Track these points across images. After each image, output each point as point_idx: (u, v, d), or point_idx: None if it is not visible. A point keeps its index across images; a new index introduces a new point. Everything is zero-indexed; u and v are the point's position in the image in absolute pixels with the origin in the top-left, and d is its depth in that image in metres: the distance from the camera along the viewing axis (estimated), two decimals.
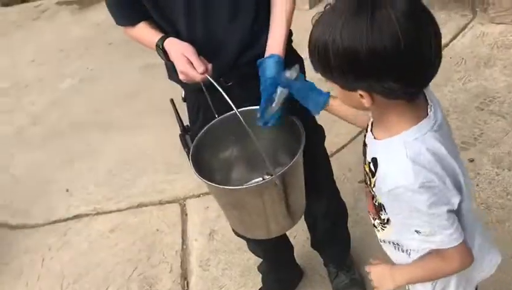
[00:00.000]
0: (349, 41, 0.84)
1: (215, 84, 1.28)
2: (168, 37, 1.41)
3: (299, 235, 2.25)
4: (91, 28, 5.27)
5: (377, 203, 1.11)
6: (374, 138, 1.05)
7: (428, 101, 1.00)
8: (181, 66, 1.33)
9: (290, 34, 1.48)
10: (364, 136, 1.12)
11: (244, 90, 1.44)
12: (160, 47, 1.40)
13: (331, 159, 1.91)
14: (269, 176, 1.33)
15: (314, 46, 0.90)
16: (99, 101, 4.03)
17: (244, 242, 2.31)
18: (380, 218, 1.14)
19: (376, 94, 0.91)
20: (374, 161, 1.04)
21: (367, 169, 1.09)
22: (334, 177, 1.91)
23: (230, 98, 1.31)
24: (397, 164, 0.96)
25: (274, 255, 2.00)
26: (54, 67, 4.96)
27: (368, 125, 1.11)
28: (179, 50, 1.35)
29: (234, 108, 1.24)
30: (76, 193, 3.11)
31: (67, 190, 3.12)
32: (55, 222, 2.93)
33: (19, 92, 4.74)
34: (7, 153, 3.80)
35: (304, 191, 1.48)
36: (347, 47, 0.85)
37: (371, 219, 1.20)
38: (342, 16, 0.86)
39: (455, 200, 0.99)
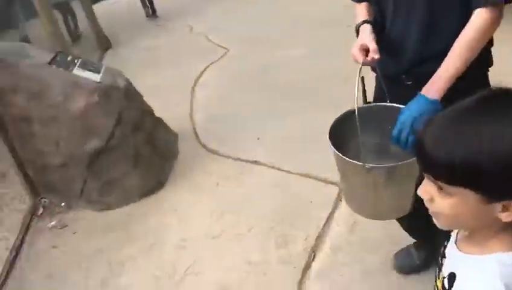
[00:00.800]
0: None
1: (358, 75, 1.47)
2: (366, 22, 1.61)
3: None
4: (343, 8, 5.58)
5: None
6: (459, 250, 0.96)
7: None
8: (354, 48, 1.54)
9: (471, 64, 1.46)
10: (444, 247, 1.04)
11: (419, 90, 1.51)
12: (356, 29, 1.63)
13: None
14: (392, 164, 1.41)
15: (460, 159, 0.79)
16: (315, 75, 4.38)
17: (377, 244, 2.42)
18: None
19: None
20: (451, 276, 0.94)
21: (439, 284, 0.99)
22: None
23: (407, 97, 1.47)
24: (485, 283, 0.86)
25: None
26: (297, 34, 5.50)
27: (450, 236, 1.03)
28: (362, 37, 1.56)
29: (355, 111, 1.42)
30: (265, 143, 3.55)
31: (258, 138, 3.58)
32: (239, 159, 3.43)
33: (261, 43, 5.43)
34: (231, 93, 4.49)
35: (409, 197, 1.51)
36: None
37: None
38: (478, 118, 0.80)
39: None
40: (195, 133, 3.91)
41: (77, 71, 3.13)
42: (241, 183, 3.21)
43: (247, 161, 3.39)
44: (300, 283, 2.37)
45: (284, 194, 2.99)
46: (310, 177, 3.09)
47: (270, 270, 2.48)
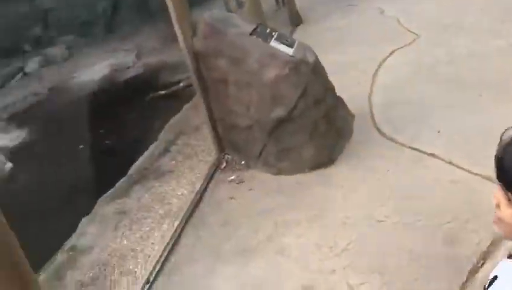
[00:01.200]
0: None
1: None
2: None
3: None
4: None
5: None
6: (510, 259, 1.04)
7: None
8: None
9: None
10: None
11: None
12: None
13: None
14: None
15: None
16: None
17: None
18: None
19: None
20: (494, 278, 1.02)
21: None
22: None
23: None
24: None
25: None
26: (497, 25, 5.02)
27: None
28: None
29: None
30: (445, 137, 3.40)
31: (439, 131, 3.44)
32: (414, 149, 3.35)
33: (453, 31, 5.12)
34: (415, 80, 4.35)
35: None
36: None
37: None
38: None
39: None
40: (372, 116, 3.91)
41: (273, 43, 3.38)
42: (413, 173, 3.14)
43: (423, 153, 3.29)
44: (464, 286, 2.29)
45: (460, 192, 2.86)
46: (490, 180, 2.88)
47: (431, 265, 2.43)
